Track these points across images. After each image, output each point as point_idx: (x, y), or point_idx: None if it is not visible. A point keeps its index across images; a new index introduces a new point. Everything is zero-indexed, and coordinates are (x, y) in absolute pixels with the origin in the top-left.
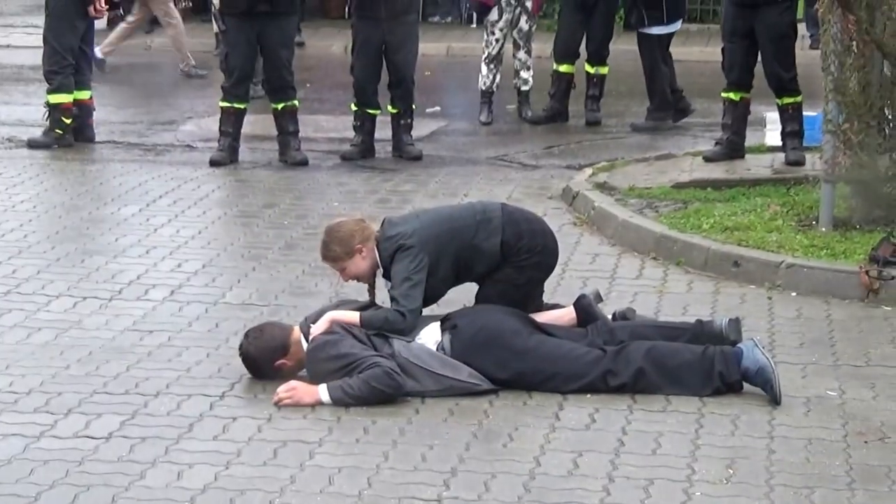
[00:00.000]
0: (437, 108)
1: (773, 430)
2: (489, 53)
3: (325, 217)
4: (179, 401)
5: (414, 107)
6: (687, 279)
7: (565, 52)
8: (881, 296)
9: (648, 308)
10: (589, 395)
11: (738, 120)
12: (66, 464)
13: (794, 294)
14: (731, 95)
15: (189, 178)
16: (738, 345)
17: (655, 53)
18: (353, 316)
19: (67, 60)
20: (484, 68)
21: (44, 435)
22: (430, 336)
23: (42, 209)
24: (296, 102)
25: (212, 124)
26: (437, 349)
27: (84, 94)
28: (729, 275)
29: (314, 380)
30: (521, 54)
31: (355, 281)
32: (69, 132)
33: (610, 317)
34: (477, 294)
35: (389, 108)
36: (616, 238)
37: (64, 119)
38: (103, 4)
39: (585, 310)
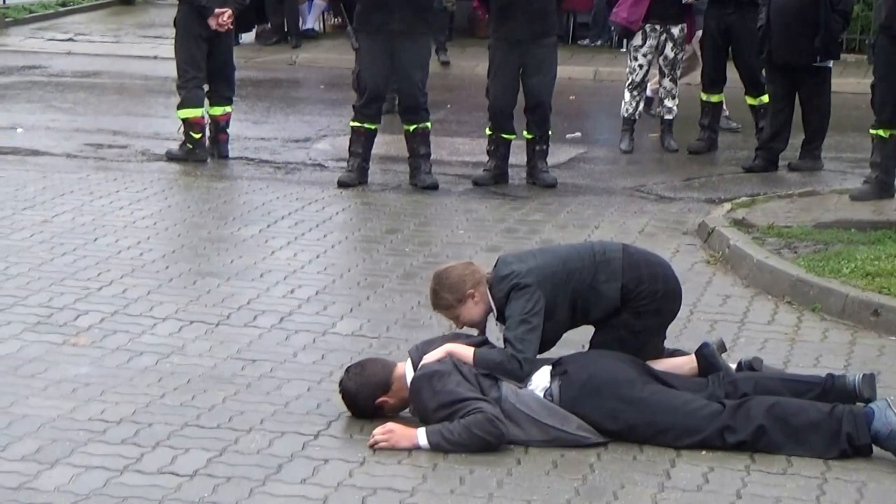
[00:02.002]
0: (578, 134)
1: None
2: (632, 80)
3: (449, 245)
4: (272, 438)
5: (550, 133)
6: (822, 327)
7: (714, 81)
8: None
9: (778, 357)
10: (704, 452)
11: (887, 157)
12: (145, 502)
13: None
14: (881, 132)
15: (315, 198)
16: (870, 405)
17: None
18: (468, 352)
19: (191, 74)
20: (627, 95)
21: (127, 469)
22: (539, 381)
23: (162, 226)
24: (428, 125)
25: (346, 143)
26: (545, 395)
27: (217, 111)
28: (868, 324)
29: (415, 410)
30: (667, 82)
31: (470, 327)
32: (200, 147)
33: (735, 366)
34: (592, 339)
35: (525, 133)
36: (750, 279)
37: (193, 134)
38: (227, 18)
39: (707, 359)
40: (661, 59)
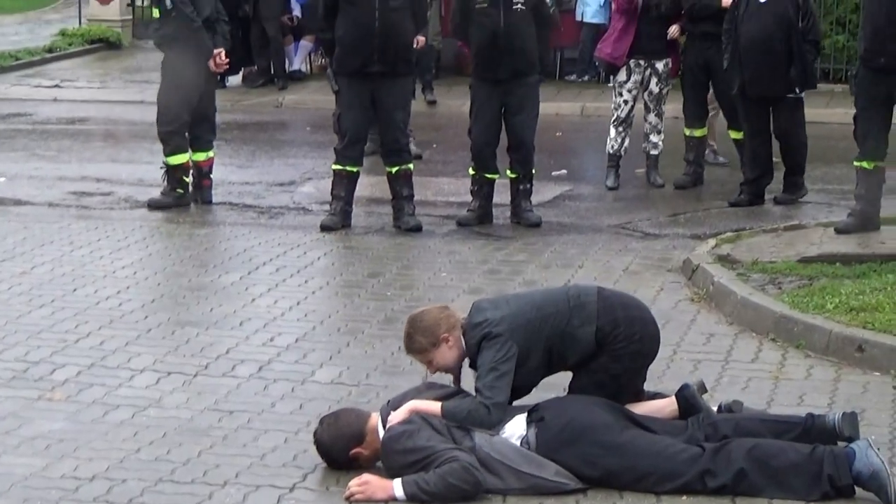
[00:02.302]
0: (564, 172)
1: None
2: (617, 115)
3: (431, 288)
4: (247, 492)
5: (534, 171)
6: (807, 364)
7: (697, 115)
8: None
9: (762, 395)
10: (685, 497)
11: (871, 189)
12: None
13: None
14: (865, 164)
15: (297, 243)
16: (851, 445)
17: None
18: (435, 406)
19: (183, 118)
20: (612, 131)
21: None
22: (515, 429)
23: (142, 275)
24: (410, 166)
25: (330, 186)
26: (522, 443)
27: (200, 156)
28: (852, 360)
29: (389, 472)
30: (652, 117)
31: (444, 372)
32: (188, 192)
33: (715, 408)
34: (570, 383)
35: (509, 172)
36: (734, 317)
37: (184, 178)
38: (223, 58)
39: (688, 401)
40: (645, 94)
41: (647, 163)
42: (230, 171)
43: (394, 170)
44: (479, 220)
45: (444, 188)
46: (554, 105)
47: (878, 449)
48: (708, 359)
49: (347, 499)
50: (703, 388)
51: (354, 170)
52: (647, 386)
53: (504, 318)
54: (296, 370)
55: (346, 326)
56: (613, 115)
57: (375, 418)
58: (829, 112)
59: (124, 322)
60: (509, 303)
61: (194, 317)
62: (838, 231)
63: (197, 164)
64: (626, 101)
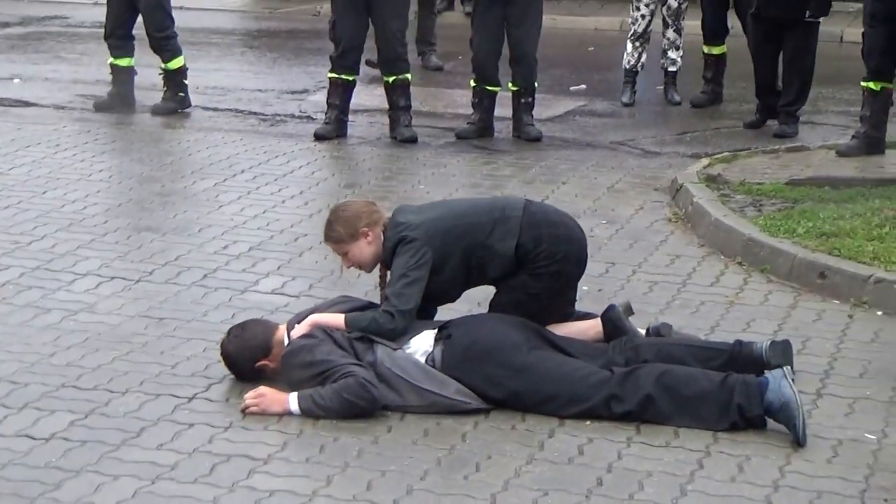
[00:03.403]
0: (583, 87)
1: (782, 478)
2: (634, 31)
3: (404, 200)
4: (145, 401)
5: (536, 84)
6: (766, 289)
7: (716, 32)
8: None
9: (710, 320)
10: (589, 422)
11: (877, 112)
12: None
13: (879, 313)
14: (871, 85)
15: (284, 152)
16: (766, 374)
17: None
18: (338, 318)
19: (173, 23)
20: (629, 46)
21: None
22: (421, 345)
23: (116, 180)
24: (408, 76)
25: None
26: (427, 360)
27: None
28: (814, 287)
29: (289, 387)
30: (670, 33)
31: (357, 268)
32: (188, 94)
33: (644, 331)
34: (491, 300)
35: (510, 85)
36: (706, 238)
37: (184, 82)
38: None
39: (613, 323)
40: (664, 8)
41: (664, 80)
42: (245, 79)
43: (390, 79)
44: (478, 133)
45: (456, 101)
46: (593, 20)
47: (794, 379)
48: (666, 280)
49: (242, 411)
50: (629, 310)
51: (350, 78)
52: (596, 305)
53: (423, 224)
54: (240, 279)
55: (305, 237)
56: (630, 29)
57: (283, 330)
58: (853, 31)
59: (83, 226)
60: (433, 208)
61: (154, 222)
62: (840, 154)
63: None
64: (643, 16)
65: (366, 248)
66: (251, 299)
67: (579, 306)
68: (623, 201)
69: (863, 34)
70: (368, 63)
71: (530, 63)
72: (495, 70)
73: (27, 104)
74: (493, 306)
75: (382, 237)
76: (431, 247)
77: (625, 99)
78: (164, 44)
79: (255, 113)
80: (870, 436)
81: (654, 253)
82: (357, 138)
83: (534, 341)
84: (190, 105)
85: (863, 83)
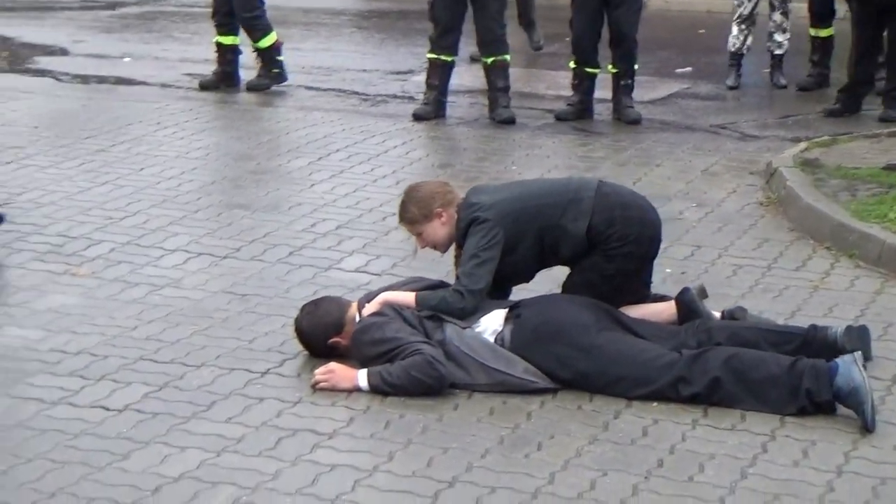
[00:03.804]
0: (689, 69)
1: (847, 463)
2: (740, 13)
3: (496, 181)
4: (218, 375)
5: (636, 67)
6: (853, 275)
7: (822, 15)
8: None
9: (791, 304)
10: (655, 404)
11: None
12: (60, 436)
13: None
14: None
15: (380, 131)
16: (837, 359)
17: None
18: (409, 297)
19: (262, 2)
20: (734, 28)
21: (61, 402)
22: (491, 324)
23: (213, 157)
24: (506, 57)
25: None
26: (496, 339)
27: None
28: None
29: (359, 364)
30: (777, 16)
31: (432, 249)
32: (284, 69)
33: (718, 315)
34: (565, 281)
35: (610, 67)
36: (797, 223)
37: (277, 57)
38: None
39: (687, 305)
40: None
41: (770, 63)
42: (351, 59)
43: (489, 60)
44: (577, 115)
45: (559, 82)
46: (706, 2)
47: (865, 365)
48: (751, 264)
49: (312, 387)
50: (703, 293)
51: (449, 59)
52: (678, 287)
53: (496, 204)
54: (325, 256)
55: (393, 216)
56: (736, 12)
57: (355, 308)
58: None
59: (175, 202)
60: (507, 189)
61: (246, 200)
62: None
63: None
64: None
65: (440, 228)
66: (334, 277)
67: (662, 288)
68: (716, 184)
69: None
70: (473, 57)
71: (630, 45)
72: (595, 52)
73: (135, 82)
74: (566, 287)
75: (456, 217)
76: (503, 227)
77: (729, 82)
78: (254, 23)
79: (357, 93)
80: None
81: (742, 236)
82: (456, 119)
83: (604, 322)
84: (286, 80)
85: None
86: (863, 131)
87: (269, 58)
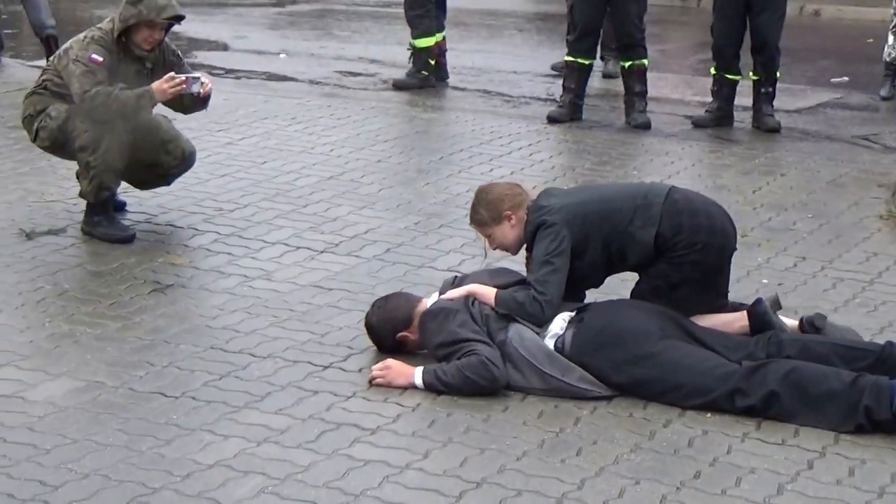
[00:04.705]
0: (845, 79)
1: (891, 485)
2: None
3: None
4: (281, 367)
5: (778, 74)
6: None
7: None
8: None
9: (883, 320)
10: (710, 415)
11: None
12: (112, 419)
13: None
14: None
15: (512, 133)
16: None
17: None
18: (490, 294)
19: (430, 2)
20: (891, 37)
21: (122, 387)
22: (553, 328)
23: (336, 153)
24: (645, 62)
25: (595, 80)
26: (556, 343)
27: (438, 37)
28: None
29: (421, 346)
30: None
31: (502, 250)
32: (433, 73)
33: (796, 323)
34: (633, 288)
35: (751, 74)
36: None
37: (430, 62)
38: None
39: (759, 317)
40: None
41: None
42: (505, 60)
43: (627, 64)
44: (716, 121)
45: (705, 88)
46: (880, 11)
47: None
48: (853, 278)
49: (369, 382)
50: (777, 304)
51: (586, 62)
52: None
53: (564, 207)
54: (421, 255)
55: None
56: (893, 21)
57: (425, 304)
58: None
59: (287, 196)
60: (578, 193)
61: (356, 196)
62: None
63: (437, 44)
64: None
65: (509, 231)
66: (425, 275)
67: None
68: (839, 196)
69: None
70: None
71: (772, 52)
72: (736, 58)
73: (285, 78)
74: (634, 294)
75: (525, 220)
76: (571, 231)
77: (883, 93)
78: (416, 21)
79: (501, 94)
80: None
81: (851, 249)
82: (591, 122)
83: (668, 330)
84: (433, 86)
85: None
86: None
87: (421, 59)
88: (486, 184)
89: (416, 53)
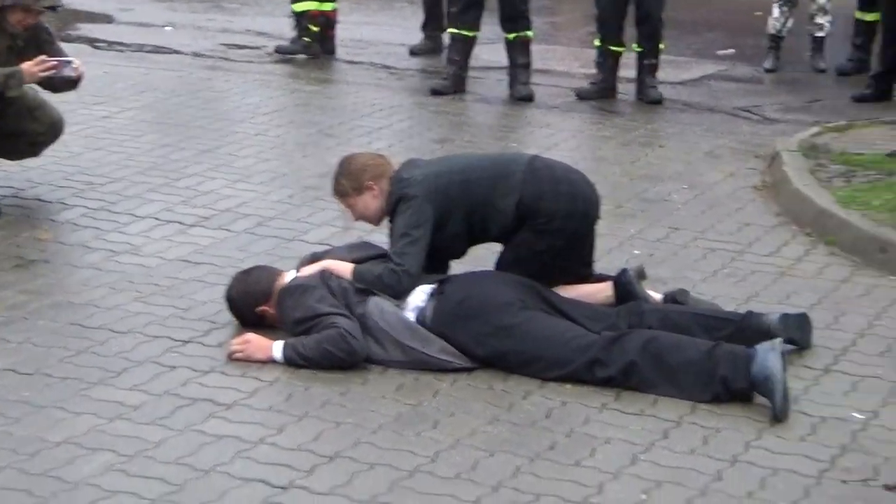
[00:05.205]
0: (731, 51)
1: (744, 453)
2: None
3: None
4: (141, 342)
5: (662, 46)
6: (825, 262)
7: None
8: None
9: (749, 289)
10: (569, 386)
11: None
12: None
13: None
14: None
15: (393, 105)
16: (757, 346)
17: None
18: (347, 268)
19: None
20: (775, 10)
21: None
22: (414, 300)
23: (213, 126)
24: (529, 33)
25: (491, 50)
26: (418, 315)
27: (327, 6)
28: (874, 261)
29: (279, 322)
30: None
31: (364, 221)
32: (316, 40)
33: (660, 297)
34: (498, 258)
35: (634, 46)
36: (784, 208)
37: (311, 27)
38: None
39: (625, 287)
40: None
41: (811, 46)
42: (393, 33)
43: (511, 36)
44: (600, 94)
45: (591, 60)
46: None
47: (786, 352)
48: (724, 248)
49: (228, 356)
50: (641, 275)
51: (471, 34)
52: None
53: (426, 179)
54: (292, 228)
55: None
56: None
57: (286, 277)
58: None
59: (161, 170)
60: (439, 164)
61: (231, 170)
62: None
63: (325, 14)
64: None
65: (371, 201)
66: (294, 248)
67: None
68: (715, 167)
69: None
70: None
71: (654, 24)
72: (620, 30)
73: (168, 51)
74: (499, 264)
75: (388, 191)
76: (432, 203)
77: (767, 65)
78: None
79: (387, 67)
80: (857, 415)
81: (724, 220)
82: (475, 95)
83: (529, 301)
84: (318, 55)
85: None
86: (886, 118)
87: (301, 25)
88: (349, 154)
89: (297, 19)
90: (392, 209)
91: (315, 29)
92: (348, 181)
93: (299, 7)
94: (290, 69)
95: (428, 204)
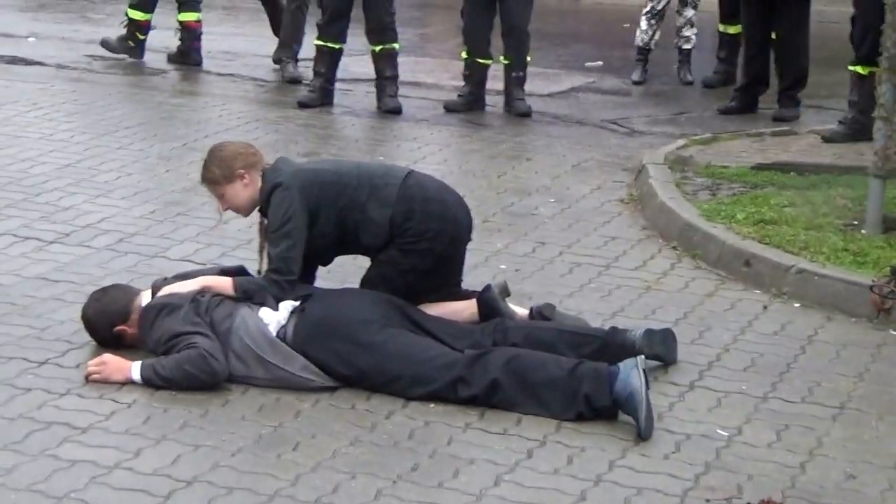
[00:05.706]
0: (599, 63)
1: (608, 472)
2: (652, 7)
3: None
4: None
5: (529, 59)
6: (690, 276)
7: (733, 12)
8: (893, 316)
9: (615, 305)
10: (433, 405)
11: (865, 96)
12: None
13: (797, 305)
14: (860, 69)
15: (259, 118)
16: (620, 363)
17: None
18: (227, 282)
19: None
20: (643, 23)
21: None
22: (276, 316)
23: (75, 140)
24: (395, 46)
25: (352, 63)
26: (279, 332)
27: (190, 17)
28: (738, 275)
29: (141, 342)
30: (687, 11)
31: (234, 212)
32: (139, 48)
33: (526, 312)
34: (364, 275)
35: (502, 59)
36: (651, 222)
37: (138, 35)
38: None
39: (488, 304)
40: None
41: (678, 58)
42: (262, 45)
43: (377, 49)
44: (468, 106)
45: (460, 72)
46: None
47: (647, 369)
48: (590, 262)
49: (86, 378)
50: (505, 291)
51: (336, 47)
52: (512, 286)
53: (301, 171)
54: (154, 244)
55: None
56: (647, 6)
57: (143, 297)
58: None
59: (20, 185)
60: (318, 163)
61: (92, 185)
62: (826, 139)
63: (188, 25)
64: None
65: (242, 190)
66: (157, 265)
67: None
68: (583, 180)
69: (852, 18)
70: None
71: (521, 36)
72: (487, 43)
73: (32, 62)
74: (364, 281)
75: (260, 182)
76: (306, 198)
77: (635, 77)
78: None
79: (255, 79)
80: (722, 432)
81: (590, 234)
82: (343, 107)
83: (391, 319)
84: (140, 58)
85: (850, 67)
86: (752, 130)
87: (130, 30)
88: (219, 142)
89: (130, 22)
90: (266, 199)
91: (142, 37)
92: (219, 168)
93: (134, 14)
94: (157, 81)
95: (301, 196)
